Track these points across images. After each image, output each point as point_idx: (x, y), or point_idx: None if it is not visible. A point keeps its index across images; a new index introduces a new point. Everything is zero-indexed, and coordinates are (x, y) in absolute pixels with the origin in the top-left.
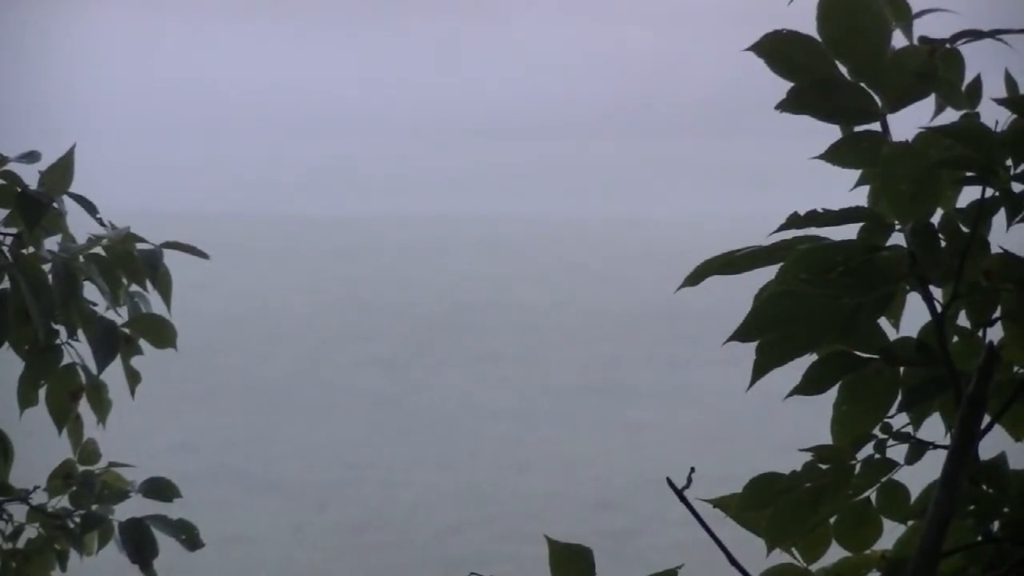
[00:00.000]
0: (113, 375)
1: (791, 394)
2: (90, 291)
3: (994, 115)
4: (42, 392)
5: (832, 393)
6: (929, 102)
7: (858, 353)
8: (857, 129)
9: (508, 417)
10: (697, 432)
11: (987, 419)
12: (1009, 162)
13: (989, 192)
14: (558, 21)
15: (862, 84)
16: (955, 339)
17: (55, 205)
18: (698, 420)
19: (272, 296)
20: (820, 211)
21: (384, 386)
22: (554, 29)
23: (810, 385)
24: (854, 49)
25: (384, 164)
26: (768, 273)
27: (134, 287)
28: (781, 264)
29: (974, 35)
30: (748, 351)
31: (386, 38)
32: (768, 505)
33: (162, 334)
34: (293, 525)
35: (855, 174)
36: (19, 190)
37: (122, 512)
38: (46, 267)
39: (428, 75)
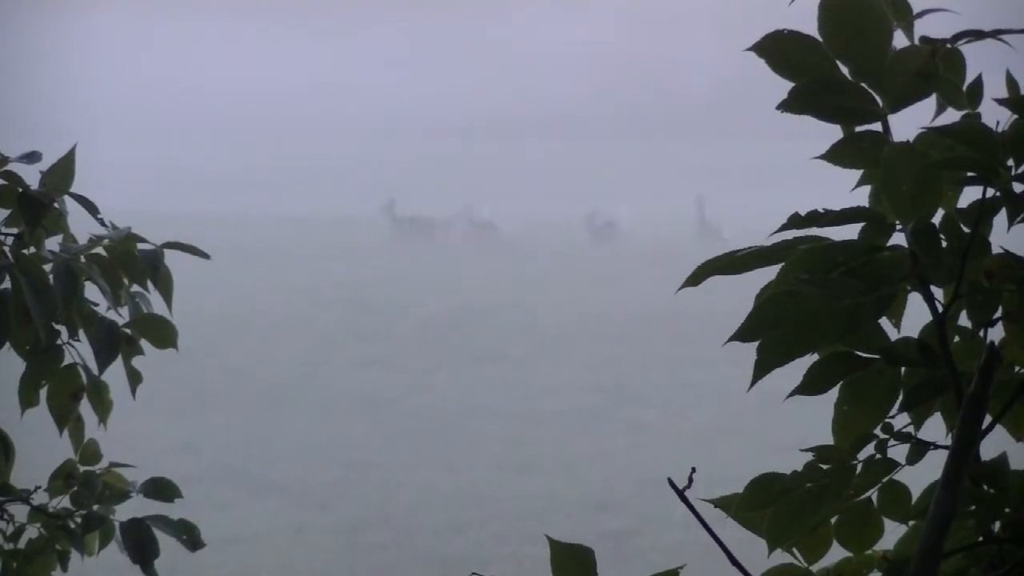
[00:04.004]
0: (114, 375)
1: (792, 394)
2: (91, 291)
3: (995, 115)
4: (43, 392)
5: (833, 393)
6: (930, 102)
7: (859, 353)
8: (858, 129)
9: (508, 417)
10: (697, 432)
11: (988, 419)
12: (1010, 162)
13: (990, 192)
14: (559, 20)
15: (863, 84)
16: (956, 339)
17: (56, 205)
18: (698, 420)
19: (272, 296)
20: (821, 211)
21: (384, 386)
22: (554, 29)
23: (811, 385)
24: (855, 49)
25: (384, 164)
26: (769, 273)
27: (135, 287)
28: (782, 264)
29: (975, 35)
30: (749, 351)
31: (386, 38)
32: (769, 505)
33: (163, 334)
34: (293, 525)
35: (856, 174)
36: (20, 190)
37: (123, 512)
38: (47, 267)
39: (428, 75)
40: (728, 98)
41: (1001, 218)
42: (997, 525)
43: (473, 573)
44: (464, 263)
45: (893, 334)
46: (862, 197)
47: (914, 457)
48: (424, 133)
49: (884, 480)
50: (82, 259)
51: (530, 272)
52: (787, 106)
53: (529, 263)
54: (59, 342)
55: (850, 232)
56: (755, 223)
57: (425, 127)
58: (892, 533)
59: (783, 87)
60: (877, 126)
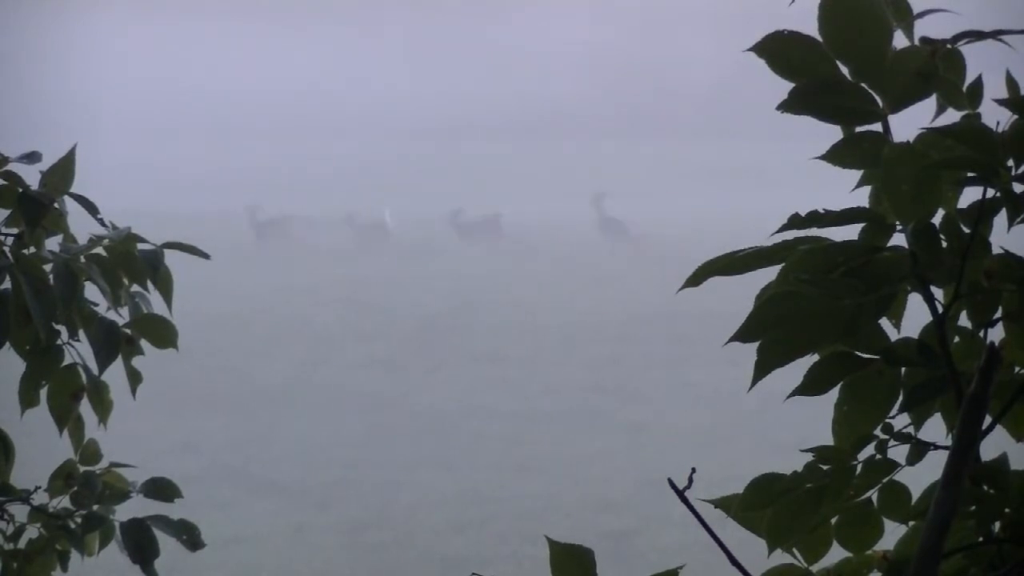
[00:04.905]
0: (114, 375)
1: (792, 395)
2: (91, 291)
3: (995, 116)
4: (43, 392)
5: (833, 394)
6: (930, 103)
7: (859, 354)
8: (858, 130)
9: (508, 417)
10: (697, 432)
11: (988, 420)
12: (1010, 162)
13: (990, 193)
14: (559, 20)
15: (863, 85)
16: (956, 340)
17: (56, 205)
18: (698, 420)
19: (272, 296)
20: (821, 212)
21: (384, 386)
22: (555, 28)
23: (811, 385)
24: (855, 49)
25: (384, 164)
26: (769, 274)
27: (135, 287)
28: (782, 265)
29: (975, 36)
30: (749, 351)
31: (386, 39)
32: (769, 506)
33: (163, 334)
34: (293, 525)
35: (856, 175)
36: (20, 190)
37: (123, 512)
38: (47, 267)
39: (427, 74)
40: (728, 98)
41: (1001, 218)
42: (997, 525)
43: (473, 573)
44: (459, 264)
45: (893, 334)
46: (862, 197)
47: (914, 457)
48: (425, 133)
49: (884, 480)
50: (82, 259)
51: (532, 272)
52: (787, 106)
53: (533, 263)
54: (59, 342)
55: (850, 232)
56: (755, 223)
57: (426, 127)
58: (892, 533)
59: (783, 87)
60: (877, 126)
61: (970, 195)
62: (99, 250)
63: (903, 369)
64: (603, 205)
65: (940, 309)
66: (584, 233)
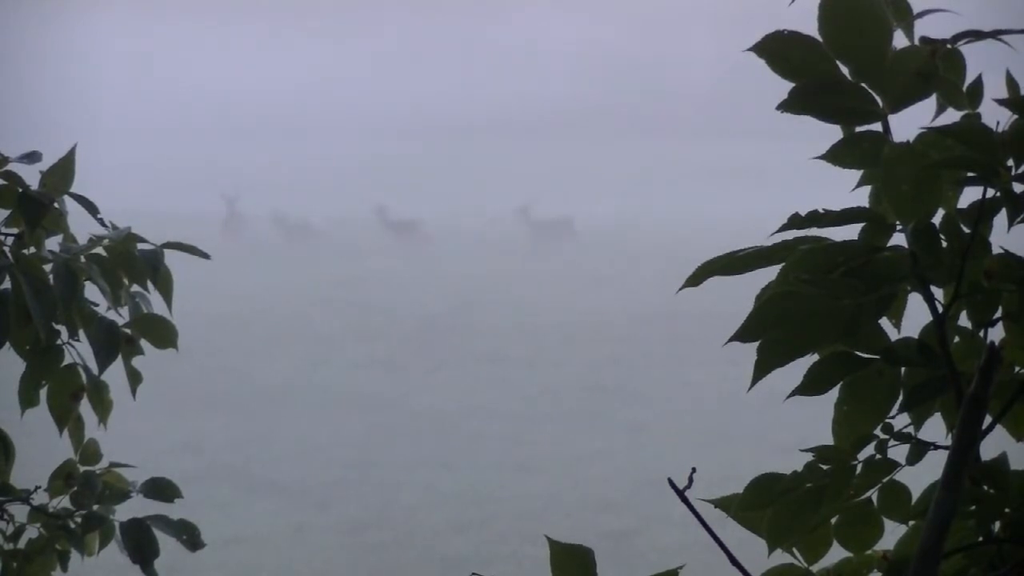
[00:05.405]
0: (114, 375)
1: (792, 394)
2: (91, 291)
3: (995, 115)
4: (43, 392)
5: (833, 393)
6: (930, 102)
7: (859, 353)
8: (858, 129)
9: (508, 417)
10: (697, 432)
11: (988, 419)
12: (1010, 162)
13: (990, 192)
14: (559, 20)
15: (863, 84)
16: (956, 339)
17: (56, 205)
18: (698, 420)
19: (272, 297)
20: (821, 212)
21: (384, 386)
22: (555, 28)
23: (811, 385)
24: (855, 49)
25: (383, 164)
26: (769, 274)
27: (135, 287)
28: (782, 265)
29: (975, 35)
30: (749, 351)
31: (386, 39)
32: (769, 505)
33: (163, 334)
34: (293, 525)
35: (856, 174)
36: (20, 190)
37: (123, 512)
38: (47, 267)
39: (427, 74)
40: (728, 98)
41: (1001, 218)
42: (997, 525)
43: (473, 573)
44: (460, 265)
45: (893, 334)
46: (862, 197)
47: (914, 457)
48: (424, 133)
49: (884, 480)
50: (82, 259)
51: (532, 272)
52: (787, 106)
53: (533, 263)
54: (59, 342)
55: (850, 232)
56: (755, 223)
57: (426, 127)
58: (892, 533)
59: (783, 87)
60: (877, 126)
61: (970, 195)
62: (99, 250)
63: (903, 369)
64: (530, 212)
65: (940, 309)
66: (585, 232)
